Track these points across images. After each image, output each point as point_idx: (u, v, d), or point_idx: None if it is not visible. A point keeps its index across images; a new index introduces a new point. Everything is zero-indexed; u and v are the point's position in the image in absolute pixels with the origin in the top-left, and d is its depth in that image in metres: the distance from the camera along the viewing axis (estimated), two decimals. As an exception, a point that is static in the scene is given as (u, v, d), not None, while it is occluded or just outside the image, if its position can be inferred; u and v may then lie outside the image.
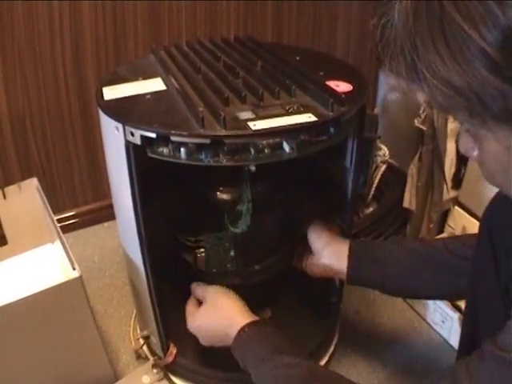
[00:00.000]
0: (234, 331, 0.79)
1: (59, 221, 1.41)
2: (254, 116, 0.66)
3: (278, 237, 0.96)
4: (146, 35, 1.36)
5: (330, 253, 0.90)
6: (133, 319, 1.15)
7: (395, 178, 1.52)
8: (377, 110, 1.61)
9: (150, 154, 0.69)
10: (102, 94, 0.79)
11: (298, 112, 0.67)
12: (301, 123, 0.64)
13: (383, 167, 1.51)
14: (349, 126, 0.76)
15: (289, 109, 0.68)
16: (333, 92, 0.72)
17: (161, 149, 0.68)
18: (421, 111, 1.25)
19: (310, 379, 0.68)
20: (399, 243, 0.95)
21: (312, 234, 0.93)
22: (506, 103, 0.40)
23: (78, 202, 1.49)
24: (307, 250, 0.94)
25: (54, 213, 1.39)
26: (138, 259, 0.83)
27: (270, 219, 0.93)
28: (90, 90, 1.35)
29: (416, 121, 1.26)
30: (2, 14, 1.18)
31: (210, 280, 0.92)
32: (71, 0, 1.23)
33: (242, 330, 0.78)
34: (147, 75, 0.84)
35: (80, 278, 0.85)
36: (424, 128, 1.25)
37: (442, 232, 1.40)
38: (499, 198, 0.77)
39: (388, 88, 1.71)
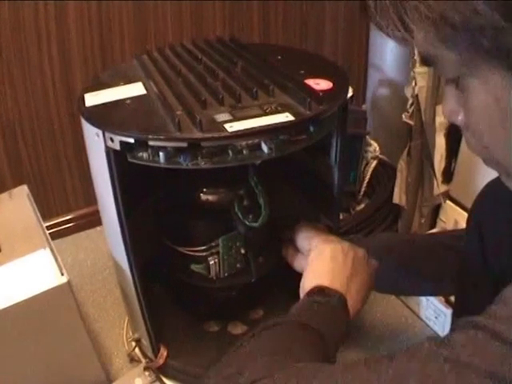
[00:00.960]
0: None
1: (52, 226, 1.43)
2: (231, 118, 0.66)
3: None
4: (132, 39, 1.36)
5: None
6: (126, 322, 1.15)
7: (386, 173, 1.52)
8: (366, 106, 1.60)
9: (129, 159, 0.69)
10: (84, 100, 0.80)
11: (276, 112, 0.68)
12: (278, 123, 0.65)
13: (374, 163, 1.52)
14: (330, 124, 0.76)
15: (266, 109, 0.68)
16: (311, 90, 0.72)
17: (140, 154, 0.68)
18: (408, 106, 1.25)
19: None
20: (389, 239, 0.95)
21: (299, 234, 0.90)
22: (497, 35, 0.37)
23: (70, 207, 1.49)
24: (296, 249, 0.93)
25: (47, 218, 1.42)
26: (124, 264, 0.83)
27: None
28: (77, 95, 1.34)
29: (404, 116, 1.26)
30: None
31: (221, 285, 0.93)
32: (57, 6, 1.24)
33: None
34: (129, 80, 0.84)
35: (68, 283, 0.85)
36: (412, 123, 1.25)
37: (433, 227, 1.40)
38: (487, 191, 0.77)
39: (377, 84, 1.71)
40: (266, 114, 0.67)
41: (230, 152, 0.65)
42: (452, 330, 0.41)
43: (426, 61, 0.45)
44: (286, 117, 0.66)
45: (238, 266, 0.93)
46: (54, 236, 1.40)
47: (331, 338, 0.61)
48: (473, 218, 0.76)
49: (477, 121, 0.45)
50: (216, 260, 0.90)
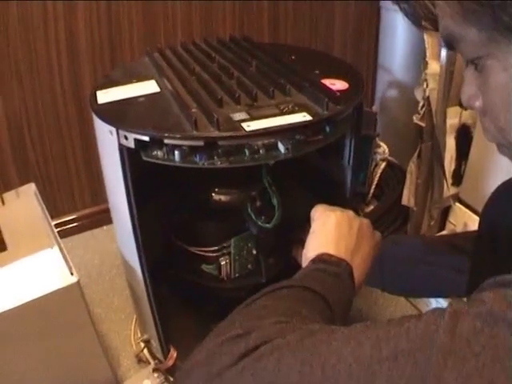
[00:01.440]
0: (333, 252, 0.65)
1: (59, 225, 1.42)
2: (248, 117, 0.66)
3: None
4: (141, 37, 1.36)
5: None
6: (133, 323, 1.14)
7: (395, 175, 1.52)
8: (375, 108, 1.60)
9: (144, 158, 0.68)
10: (96, 97, 0.79)
11: (293, 111, 0.67)
12: (295, 123, 0.64)
13: (383, 165, 1.51)
14: (345, 125, 0.76)
15: (283, 108, 0.67)
16: (328, 90, 0.71)
17: (155, 152, 0.67)
18: (419, 108, 1.24)
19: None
20: (398, 240, 0.94)
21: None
22: None
23: (77, 206, 1.48)
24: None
25: (54, 217, 1.41)
26: (135, 263, 0.82)
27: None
28: (86, 93, 1.34)
29: (414, 117, 1.26)
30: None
31: (232, 286, 0.92)
32: (65, 4, 1.23)
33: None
34: (141, 78, 0.84)
35: (78, 283, 0.84)
36: (423, 124, 1.24)
37: (443, 229, 1.39)
38: (500, 192, 0.76)
39: (386, 85, 1.70)
40: (282, 113, 0.66)
41: (247, 151, 0.65)
42: (478, 291, 0.38)
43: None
44: (303, 116, 0.65)
45: (249, 266, 0.92)
46: (60, 235, 1.39)
47: (337, 307, 0.57)
48: (485, 220, 0.76)
49: (494, 101, 0.45)
50: (227, 260, 0.89)
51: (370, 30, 1.68)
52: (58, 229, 1.41)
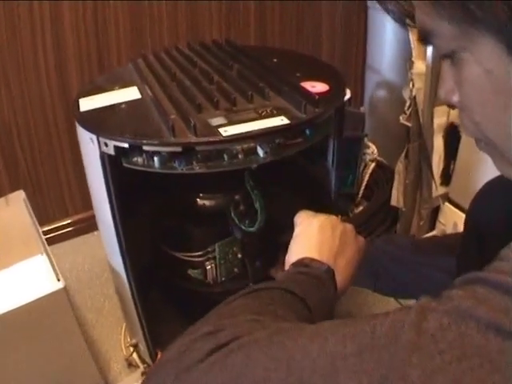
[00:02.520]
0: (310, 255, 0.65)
1: (50, 231, 1.43)
2: (226, 121, 0.66)
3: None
4: (128, 43, 1.36)
5: None
6: (123, 328, 1.14)
7: (385, 176, 1.52)
8: (363, 109, 1.60)
9: (124, 164, 0.69)
10: (79, 105, 0.79)
11: (271, 115, 0.67)
12: (272, 127, 0.64)
13: (372, 165, 1.52)
14: (326, 127, 0.76)
15: (261, 112, 0.68)
16: (306, 93, 0.71)
17: (135, 158, 0.68)
18: (405, 108, 1.25)
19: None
20: (389, 240, 0.94)
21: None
22: (487, 4, 0.37)
23: (67, 212, 1.48)
24: None
25: (45, 223, 1.41)
26: (120, 269, 0.83)
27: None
28: (73, 98, 1.34)
29: (401, 118, 1.26)
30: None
31: (219, 290, 0.92)
32: (52, 9, 1.23)
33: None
34: (124, 84, 0.84)
35: (64, 289, 0.85)
36: (409, 124, 1.25)
37: (433, 229, 1.40)
38: (485, 191, 0.77)
39: (375, 86, 1.71)
40: (261, 117, 0.67)
41: (226, 156, 0.65)
42: (448, 289, 0.37)
43: (423, 36, 0.45)
44: (281, 120, 0.66)
45: (235, 270, 0.92)
46: (51, 241, 1.41)
47: (317, 309, 0.56)
48: (471, 219, 0.76)
49: (469, 95, 0.45)
50: (213, 265, 0.90)
51: (357, 31, 1.68)
52: (49, 235, 1.43)
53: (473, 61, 0.42)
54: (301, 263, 0.63)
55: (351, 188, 1.47)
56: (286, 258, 0.68)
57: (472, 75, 0.43)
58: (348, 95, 1.48)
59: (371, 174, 1.51)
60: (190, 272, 0.92)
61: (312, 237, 0.67)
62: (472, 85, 0.44)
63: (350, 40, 1.70)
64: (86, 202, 1.48)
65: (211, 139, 0.63)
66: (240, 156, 0.65)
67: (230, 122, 0.66)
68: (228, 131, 0.63)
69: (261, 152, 0.65)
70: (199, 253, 0.89)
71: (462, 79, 0.45)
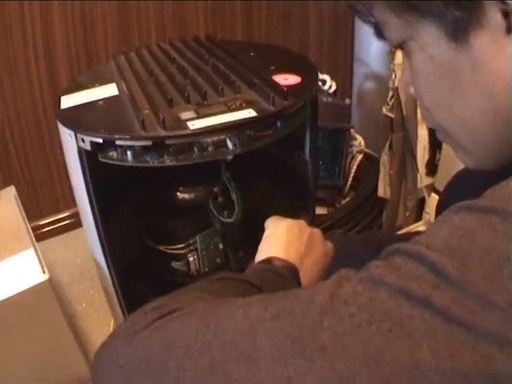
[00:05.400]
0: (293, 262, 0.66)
1: (42, 226, 1.46)
2: (195, 115, 0.68)
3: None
4: (116, 41, 1.38)
5: None
6: (113, 319, 1.17)
7: (372, 167, 1.53)
8: (348, 100, 1.61)
9: (100, 159, 0.71)
10: (60, 103, 0.81)
11: (240, 108, 0.69)
12: (239, 119, 0.66)
13: (359, 157, 1.53)
14: (298, 118, 0.78)
15: (231, 106, 0.70)
16: (275, 86, 0.73)
17: (110, 153, 0.70)
18: (388, 99, 1.26)
19: None
20: (370, 236, 0.95)
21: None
22: None
23: (59, 208, 1.51)
24: None
25: (37, 218, 1.44)
26: (103, 263, 0.85)
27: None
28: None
29: (384, 108, 1.28)
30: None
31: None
32: (42, 8, 1.26)
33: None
34: (103, 81, 0.86)
35: (49, 280, 0.87)
36: (392, 115, 1.26)
37: (419, 219, 1.41)
38: (457, 178, 0.78)
39: (363, 78, 1.72)
40: (229, 110, 0.69)
41: (196, 149, 0.67)
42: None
43: (377, 30, 0.48)
44: (248, 113, 0.68)
45: (218, 261, 0.94)
46: (44, 236, 1.44)
47: None
48: (441, 208, 0.78)
49: (418, 82, 0.48)
50: (195, 256, 0.92)
51: (345, 23, 1.70)
52: (42, 230, 1.46)
53: (418, 48, 0.45)
54: (266, 261, 0.65)
55: (338, 179, 1.48)
56: (256, 258, 0.69)
57: (418, 62, 0.46)
58: (334, 87, 1.50)
59: (358, 166, 1.52)
60: (174, 264, 0.94)
61: (280, 238, 0.69)
62: (419, 72, 0.47)
63: (337, 32, 1.71)
64: (78, 198, 1.51)
65: (179, 133, 0.65)
66: (210, 149, 0.67)
67: (199, 116, 0.68)
68: (195, 125, 0.65)
69: (230, 144, 0.67)
70: (181, 245, 0.91)
71: (412, 68, 0.47)
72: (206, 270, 0.94)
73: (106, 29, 1.36)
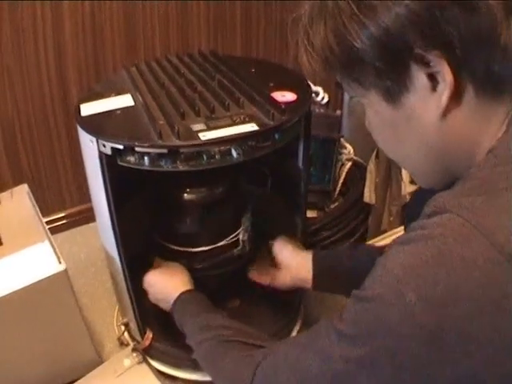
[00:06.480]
0: (176, 294, 0.92)
1: (48, 223, 1.53)
2: (205, 127, 0.78)
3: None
4: (123, 49, 1.48)
5: (296, 263, 0.98)
6: (116, 311, 1.26)
7: (360, 174, 1.63)
8: (339, 112, 1.72)
9: (119, 163, 0.81)
10: (80, 110, 0.91)
11: (244, 122, 0.79)
12: (243, 132, 0.76)
13: (348, 164, 1.63)
14: (293, 131, 0.88)
15: (236, 119, 0.80)
16: (274, 103, 0.83)
17: (128, 158, 0.80)
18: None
19: (240, 338, 0.77)
20: (357, 248, 1.02)
21: (279, 247, 1.02)
22: (361, 69, 0.53)
23: (65, 205, 1.60)
24: (270, 267, 1.03)
25: (44, 215, 1.51)
26: (115, 254, 0.94)
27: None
28: (73, 100, 1.45)
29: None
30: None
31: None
32: (54, 15, 1.34)
33: (182, 293, 0.92)
34: (119, 91, 0.96)
35: (65, 270, 0.96)
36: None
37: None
38: (415, 197, 0.88)
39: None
40: (234, 124, 0.79)
41: (205, 157, 0.77)
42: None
43: (339, 86, 0.60)
44: (251, 127, 0.78)
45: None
46: (49, 232, 1.51)
47: None
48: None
49: (370, 128, 0.61)
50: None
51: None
52: (48, 226, 1.53)
53: (367, 104, 0.58)
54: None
55: (328, 185, 1.58)
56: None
57: (369, 114, 0.59)
58: (326, 99, 1.60)
59: (348, 173, 1.62)
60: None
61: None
62: (370, 120, 0.60)
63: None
64: (82, 196, 1.60)
65: (192, 142, 0.75)
66: (217, 156, 0.77)
67: (209, 128, 0.78)
68: (206, 136, 0.75)
69: (234, 153, 0.77)
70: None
71: (366, 117, 0.61)
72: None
73: (114, 38, 1.46)
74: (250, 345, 0.74)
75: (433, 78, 0.50)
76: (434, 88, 0.50)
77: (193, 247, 1.01)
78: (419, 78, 0.50)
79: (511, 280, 0.43)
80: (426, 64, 0.49)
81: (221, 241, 1.02)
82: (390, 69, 0.51)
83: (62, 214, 1.60)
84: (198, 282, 1.10)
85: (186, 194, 0.98)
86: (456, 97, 0.50)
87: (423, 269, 0.46)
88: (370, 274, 0.52)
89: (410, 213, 0.85)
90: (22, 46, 1.35)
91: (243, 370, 0.68)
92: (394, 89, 0.52)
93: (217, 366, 0.76)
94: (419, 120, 0.53)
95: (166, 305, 0.95)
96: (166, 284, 0.97)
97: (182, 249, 1.02)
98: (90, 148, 0.83)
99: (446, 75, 0.48)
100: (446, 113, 0.51)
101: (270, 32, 1.68)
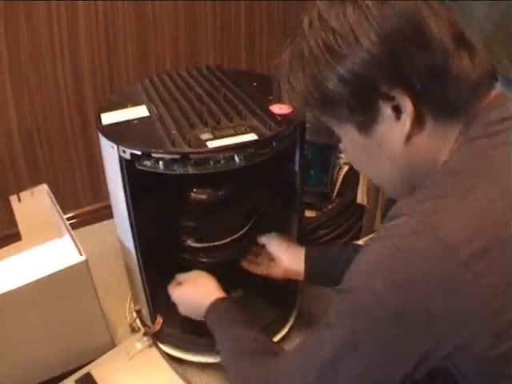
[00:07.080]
0: (208, 302, 0.98)
1: (64, 220, 1.65)
2: (211, 136, 0.90)
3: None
4: (135, 60, 1.60)
5: (289, 256, 1.08)
6: (128, 301, 1.37)
7: (356, 177, 1.74)
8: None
9: (137, 166, 0.92)
10: (100, 119, 1.02)
11: (245, 132, 0.91)
12: (245, 141, 0.89)
13: (345, 168, 1.74)
14: (289, 139, 1.00)
15: (238, 130, 0.92)
16: (272, 115, 0.96)
17: (145, 162, 0.92)
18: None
19: (259, 347, 0.85)
20: (349, 245, 1.13)
21: (272, 241, 1.12)
22: (332, 106, 0.62)
23: (80, 204, 1.72)
24: (266, 257, 1.13)
25: (60, 213, 1.64)
26: (130, 245, 1.06)
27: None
28: (88, 108, 1.58)
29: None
30: (9, 39, 1.40)
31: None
32: (69, 28, 1.46)
33: (215, 302, 0.98)
34: (134, 103, 1.08)
35: (86, 261, 1.07)
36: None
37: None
38: (390, 201, 0.98)
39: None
40: (237, 134, 0.91)
41: (211, 162, 0.89)
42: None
43: (318, 117, 0.69)
44: (251, 136, 0.90)
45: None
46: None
47: None
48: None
49: (347, 153, 0.71)
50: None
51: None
52: (64, 223, 1.65)
53: (343, 133, 0.68)
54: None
55: (326, 187, 1.70)
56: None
57: (345, 142, 0.69)
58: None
59: (344, 176, 1.73)
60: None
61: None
62: (347, 146, 0.70)
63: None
64: (96, 196, 1.73)
65: (200, 150, 0.87)
66: (222, 162, 0.89)
67: (215, 137, 0.90)
68: (213, 144, 0.88)
69: (237, 159, 0.89)
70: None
71: (342, 143, 0.71)
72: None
73: (127, 50, 1.58)
74: (272, 353, 0.81)
75: (397, 109, 0.59)
76: (398, 117, 0.60)
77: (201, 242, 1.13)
78: (386, 110, 0.60)
79: (454, 264, 0.54)
80: (390, 99, 0.58)
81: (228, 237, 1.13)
82: (361, 106, 0.60)
83: (77, 213, 1.72)
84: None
85: (193, 194, 1.10)
86: (417, 123, 0.59)
87: (385, 261, 0.57)
88: (348, 270, 0.62)
89: (386, 215, 0.97)
90: (40, 55, 1.46)
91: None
92: (365, 122, 0.62)
93: (240, 373, 0.83)
94: (388, 145, 0.63)
95: (198, 314, 1.02)
96: (193, 297, 1.05)
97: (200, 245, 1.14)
98: (111, 153, 0.95)
99: (408, 107, 0.58)
100: (409, 137, 0.61)
101: (271, 43, 1.80)
